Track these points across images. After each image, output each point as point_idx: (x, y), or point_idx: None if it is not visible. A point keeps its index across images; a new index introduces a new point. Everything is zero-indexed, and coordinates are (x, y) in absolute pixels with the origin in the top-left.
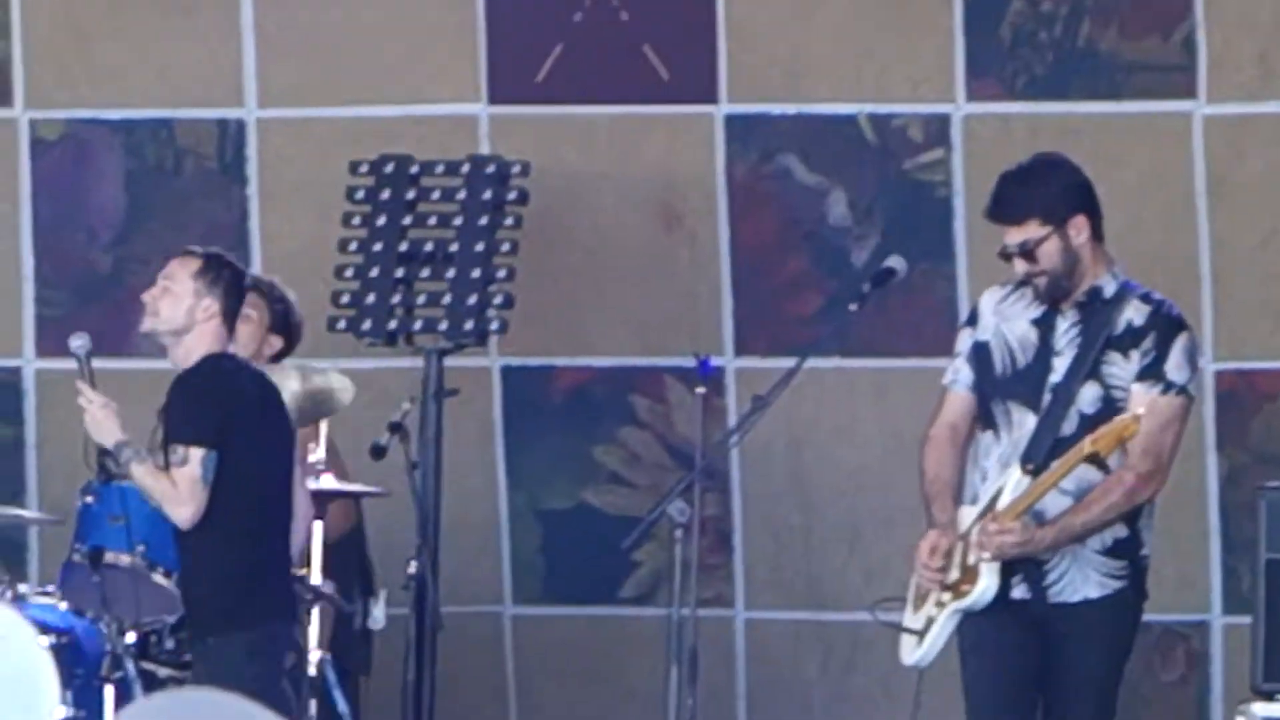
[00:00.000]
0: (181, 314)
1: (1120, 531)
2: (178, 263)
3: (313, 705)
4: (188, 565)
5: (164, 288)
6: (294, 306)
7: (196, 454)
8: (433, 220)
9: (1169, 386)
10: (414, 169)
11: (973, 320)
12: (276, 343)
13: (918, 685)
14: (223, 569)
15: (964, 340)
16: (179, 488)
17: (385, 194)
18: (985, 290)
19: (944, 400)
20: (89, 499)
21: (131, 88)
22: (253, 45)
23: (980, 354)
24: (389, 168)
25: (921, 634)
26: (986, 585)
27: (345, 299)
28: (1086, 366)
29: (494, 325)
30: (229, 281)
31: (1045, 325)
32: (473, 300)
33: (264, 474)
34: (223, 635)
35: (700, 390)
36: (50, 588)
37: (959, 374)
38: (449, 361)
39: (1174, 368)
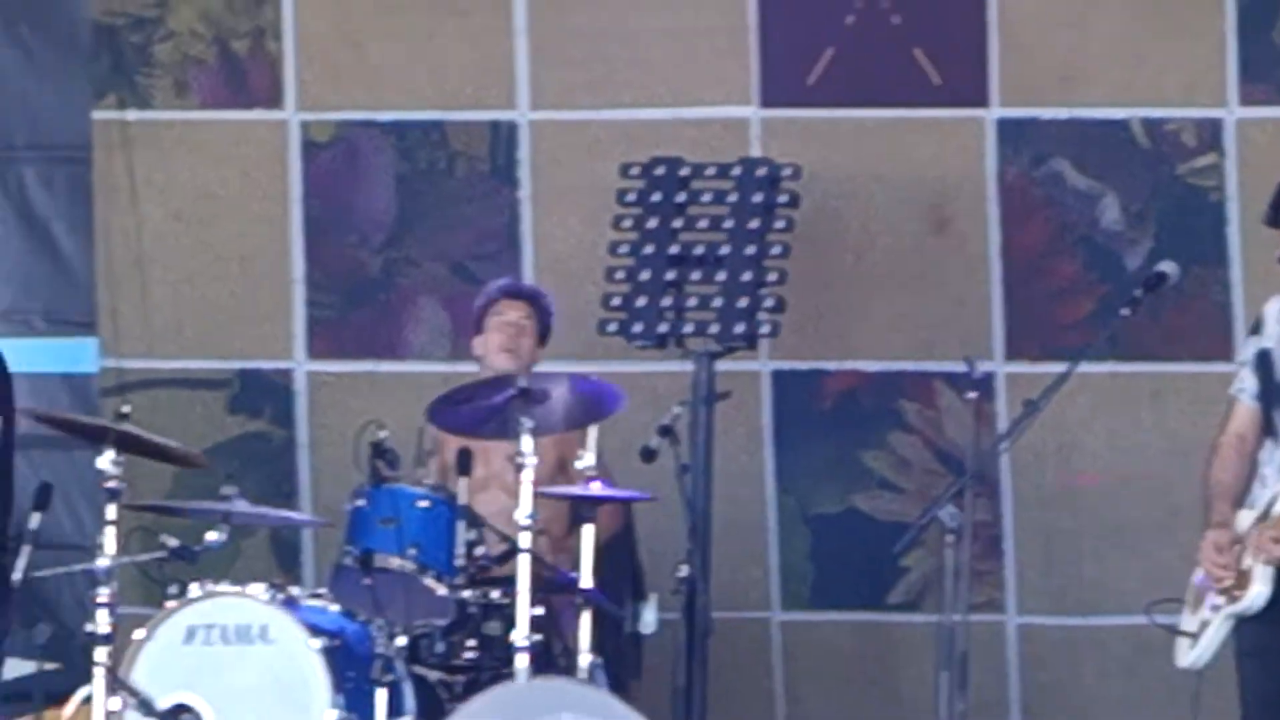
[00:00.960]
0: None
1: None
2: None
3: None
4: None
5: None
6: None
7: None
8: (703, 223)
9: None
10: (685, 172)
11: (1257, 328)
12: (539, 352)
13: (1196, 689)
14: None
15: (1249, 348)
16: None
17: (656, 196)
18: (1270, 297)
19: (1232, 409)
20: (360, 502)
21: (403, 89)
22: (525, 47)
23: (1263, 361)
24: (660, 170)
25: (1196, 637)
26: (1259, 591)
27: (616, 302)
28: None
29: (764, 329)
30: None
31: None
32: (743, 303)
33: None
34: None
35: (972, 395)
36: (322, 590)
37: (1245, 383)
38: (719, 365)
39: None
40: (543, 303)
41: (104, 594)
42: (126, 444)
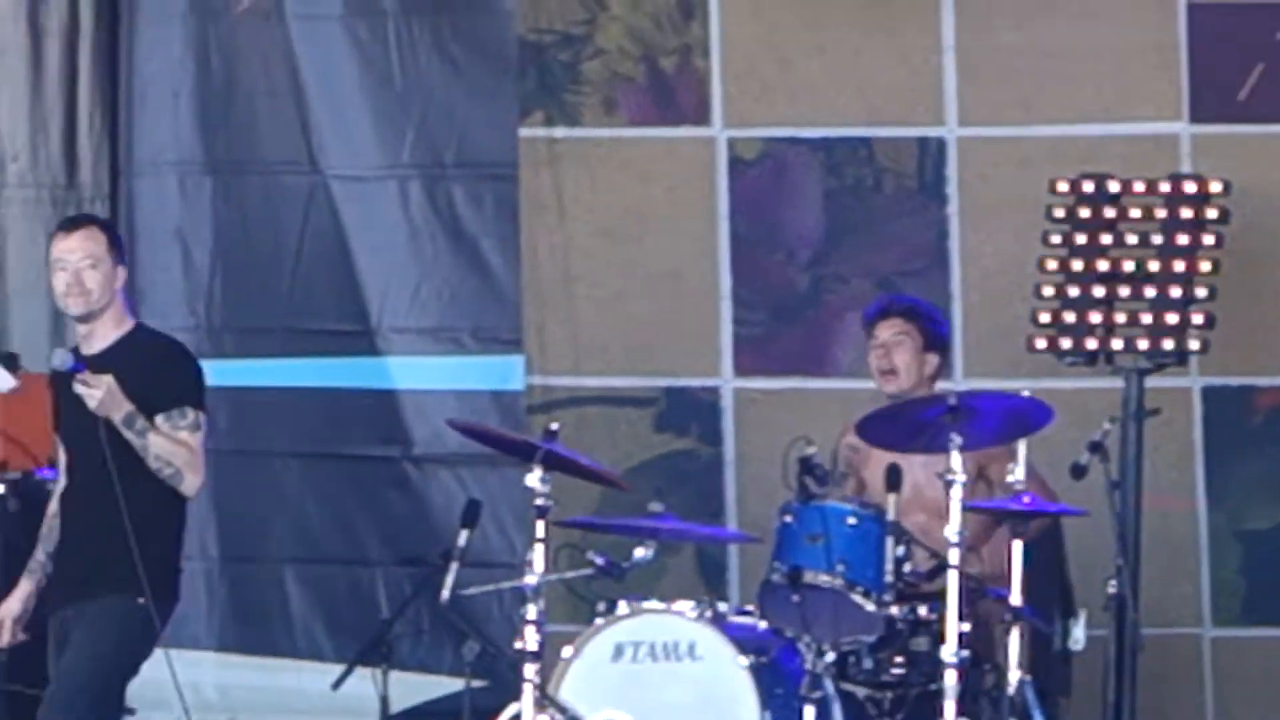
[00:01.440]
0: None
1: None
2: (79, 239)
3: None
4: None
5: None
6: (945, 321)
7: (203, 419)
8: (1132, 239)
9: None
10: (1114, 188)
11: None
12: (934, 360)
13: None
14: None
15: None
16: (196, 454)
17: (1084, 213)
18: None
19: None
20: (788, 518)
21: (831, 106)
22: (953, 64)
23: None
24: (1088, 186)
25: None
26: None
27: (1045, 318)
28: None
29: (1194, 345)
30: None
31: None
32: (1173, 320)
33: None
34: (119, 594)
35: None
36: (750, 607)
37: None
38: (1149, 381)
39: None
40: (918, 311)
41: (532, 611)
42: (552, 463)
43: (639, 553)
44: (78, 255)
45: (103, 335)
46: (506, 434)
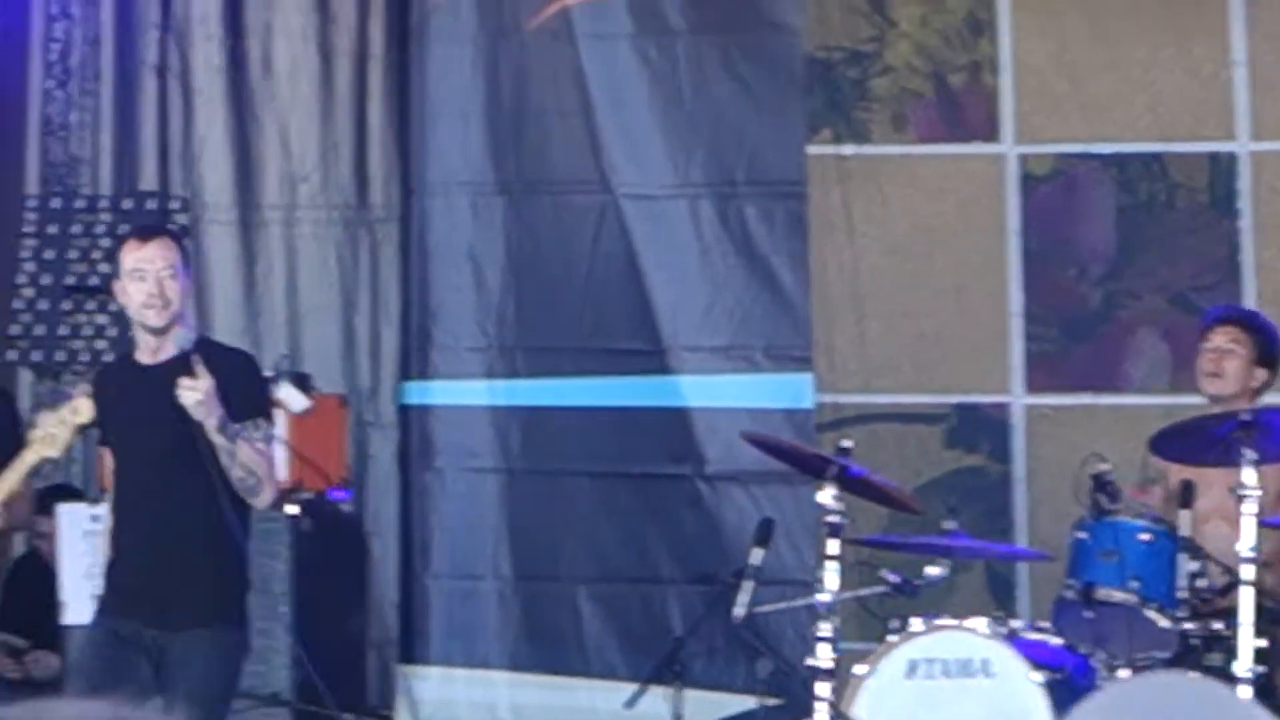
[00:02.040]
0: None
1: None
2: (157, 248)
3: None
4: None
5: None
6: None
7: (272, 432)
8: None
9: None
10: None
11: None
12: (1262, 374)
13: None
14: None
15: None
16: (272, 465)
17: None
18: None
19: None
20: (1081, 535)
21: (1122, 121)
22: (1244, 77)
23: None
24: None
25: None
26: None
27: None
28: None
29: None
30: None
31: None
32: None
33: None
34: (226, 624)
35: None
36: (1043, 624)
37: None
38: None
39: None
40: (1256, 324)
41: (825, 629)
42: (845, 483)
43: (932, 570)
44: (159, 264)
45: (168, 348)
46: (801, 447)
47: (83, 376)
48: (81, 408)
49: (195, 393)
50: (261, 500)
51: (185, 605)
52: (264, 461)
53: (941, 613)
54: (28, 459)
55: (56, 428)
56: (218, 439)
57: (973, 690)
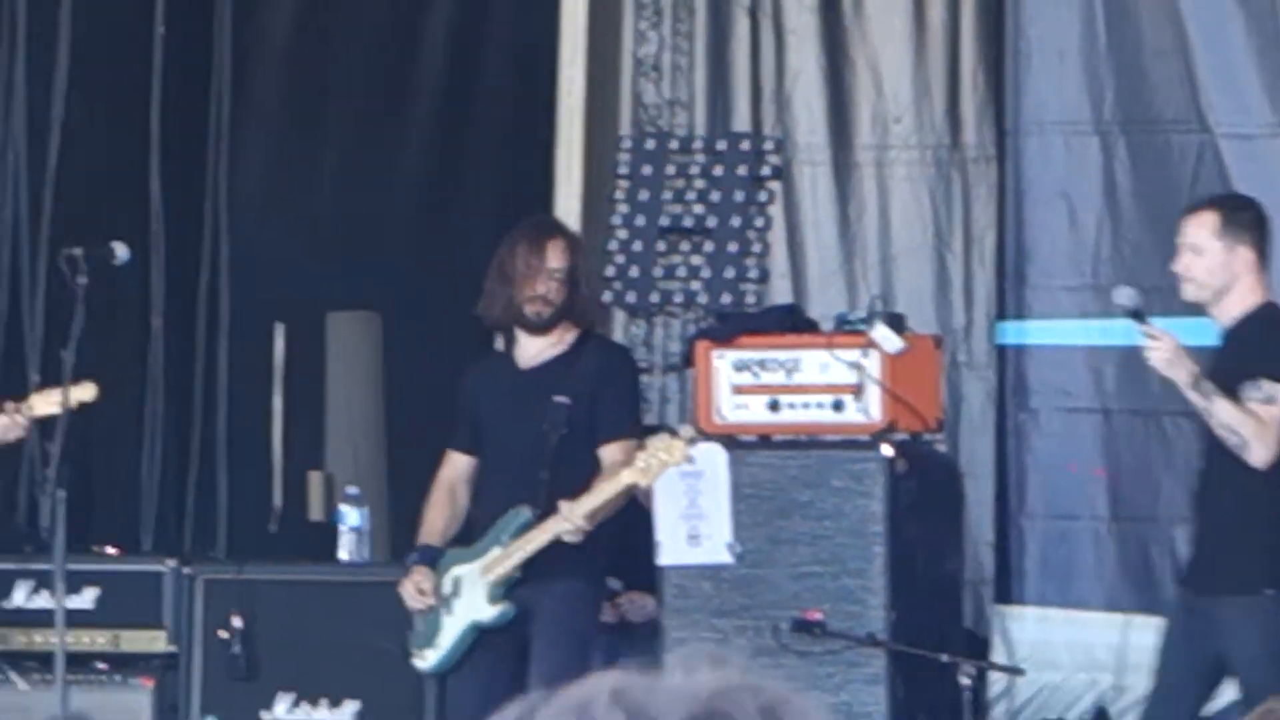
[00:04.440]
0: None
1: None
2: (1193, 223)
3: None
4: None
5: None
6: None
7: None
8: None
9: None
10: None
11: None
12: None
13: None
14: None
15: None
16: (1268, 426)
17: None
18: None
19: None
20: None
21: None
22: None
23: None
24: None
25: None
26: None
27: None
28: None
29: None
30: (1251, 222)
31: None
32: None
33: None
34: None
35: None
36: None
37: None
38: None
39: None
40: None
41: None
42: None
43: None
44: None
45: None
46: None
47: (676, 318)
48: None
49: (1161, 347)
50: (1253, 458)
51: None
52: (1252, 421)
53: None
54: (623, 479)
55: (653, 460)
56: (1192, 395)
57: None
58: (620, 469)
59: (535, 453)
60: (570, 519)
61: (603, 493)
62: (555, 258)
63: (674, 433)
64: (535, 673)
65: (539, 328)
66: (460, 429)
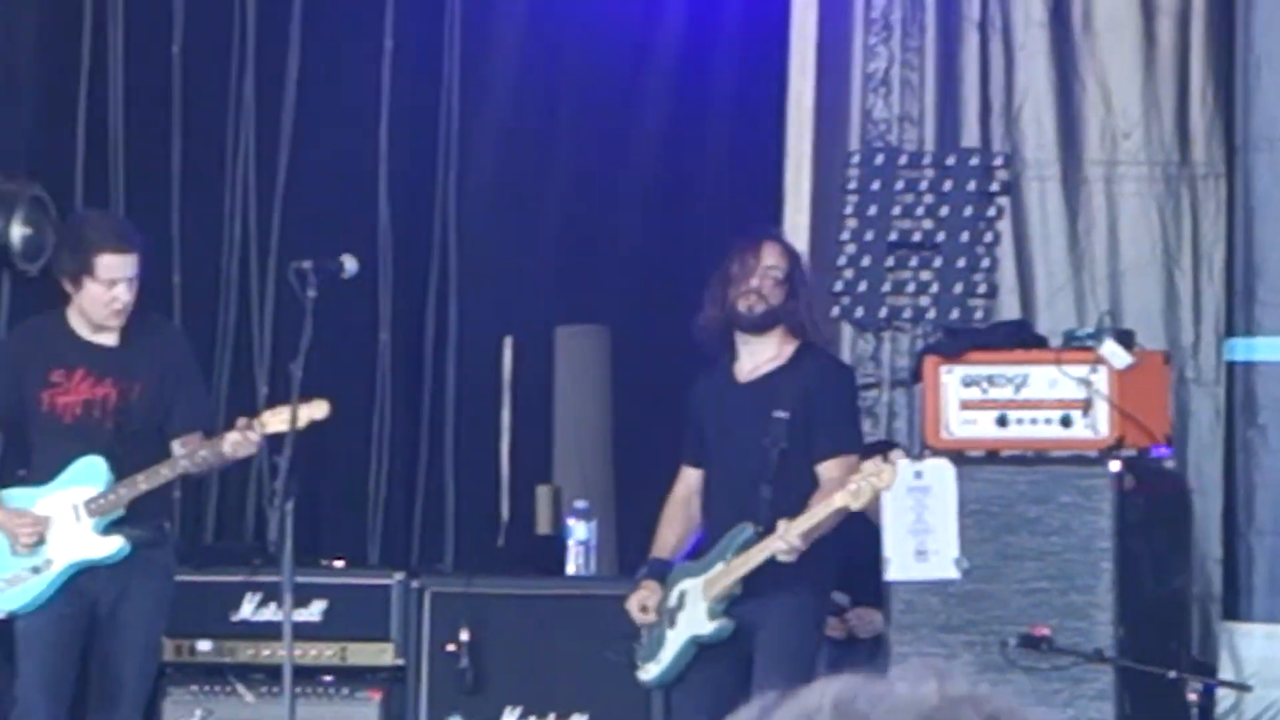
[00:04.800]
0: None
1: None
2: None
3: None
4: None
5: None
6: None
7: None
8: None
9: None
10: None
11: None
12: None
13: None
14: None
15: None
16: None
17: None
18: None
19: None
20: None
21: None
22: None
23: None
24: None
25: None
26: None
27: None
28: None
29: None
30: None
31: None
32: None
33: None
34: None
35: None
36: None
37: None
38: None
39: None
40: None
41: None
42: None
43: None
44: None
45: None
46: None
47: (904, 333)
48: None
49: None
50: None
51: None
52: None
53: None
54: (835, 501)
55: (864, 483)
56: None
57: None
58: (834, 489)
59: (756, 468)
60: (786, 539)
61: (816, 515)
62: (770, 257)
63: (890, 450)
64: (758, 687)
65: (752, 325)
66: (688, 442)
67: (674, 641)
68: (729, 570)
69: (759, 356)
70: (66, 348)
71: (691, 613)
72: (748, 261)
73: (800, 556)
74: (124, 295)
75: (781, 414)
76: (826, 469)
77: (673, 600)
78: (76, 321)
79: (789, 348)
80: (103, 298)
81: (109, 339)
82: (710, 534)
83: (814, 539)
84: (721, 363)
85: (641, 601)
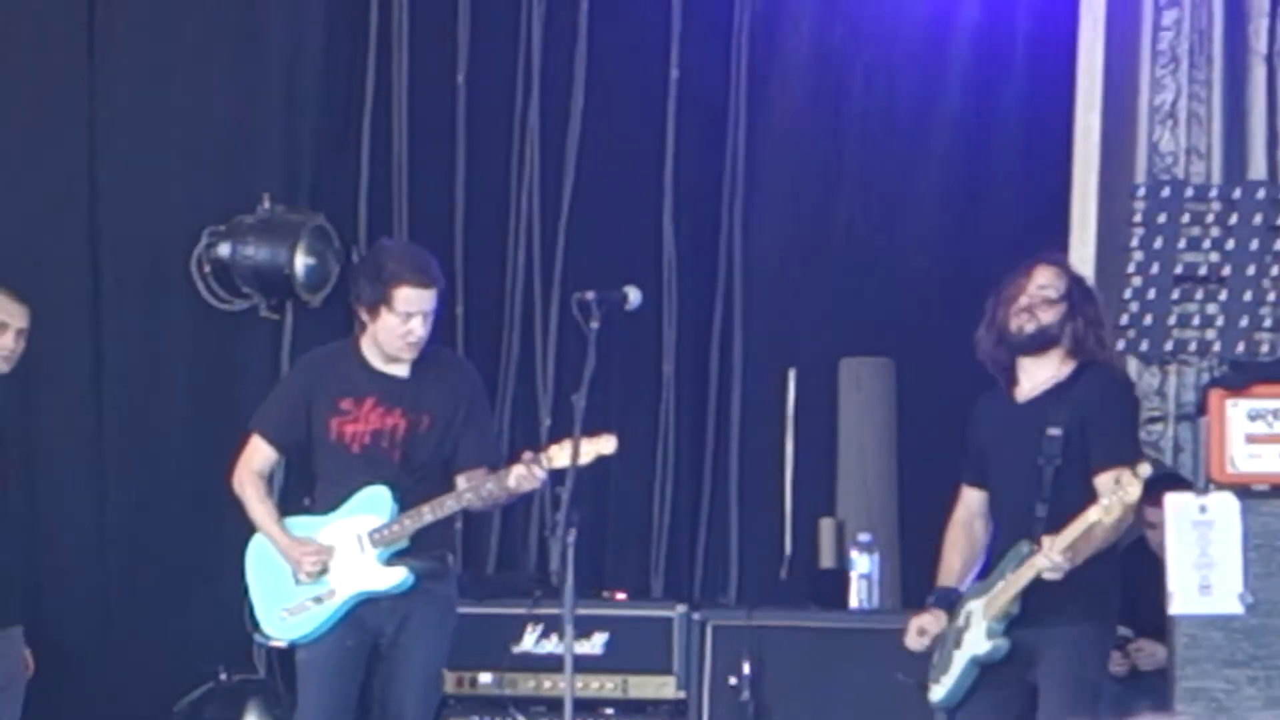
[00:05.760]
0: None
1: None
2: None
3: None
4: None
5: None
6: None
7: None
8: None
9: None
10: None
11: None
12: None
13: None
14: None
15: None
16: None
17: None
18: None
19: None
20: None
21: None
22: None
23: None
24: None
25: None
26: None
27: None
28: None
29: None
30: None
31: None
32: None
33: None
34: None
35: None
36: None
37: None
38: None
39: None
40: None
41: None
42: None
43: None
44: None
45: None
46: None
47: (1190, 366)
48: None
49: None
50: None
51: None
52: None
53: None
54: (1089, 516)
55: (1113, 498)
56: None
57: None
58: (1088, 505)
59: (1032, 486)
60: (1049, 555)
61: (1073, 531)
62: (1043, 277)
63: (1139, 464)
64: (1043, 715)
65: (1022, 344)
66: (969, 463)
67: (958, 661)
68: (1006, 589)
69: (1037, 377)
70: (357, 376)
71: (974, 633)
72: (1020, 282)
73: (1080, 586)
74: (419, 329)
75: (1055, 431)
76: (1103, 480)
77: (961, 620)
78: (369, 351)
79: (1067, 367)
80: (398, 330)
81: (400, 370)
82: (994, 554)
83: (1084, 556)
84: (1003, 384)
85: (921, 626)
